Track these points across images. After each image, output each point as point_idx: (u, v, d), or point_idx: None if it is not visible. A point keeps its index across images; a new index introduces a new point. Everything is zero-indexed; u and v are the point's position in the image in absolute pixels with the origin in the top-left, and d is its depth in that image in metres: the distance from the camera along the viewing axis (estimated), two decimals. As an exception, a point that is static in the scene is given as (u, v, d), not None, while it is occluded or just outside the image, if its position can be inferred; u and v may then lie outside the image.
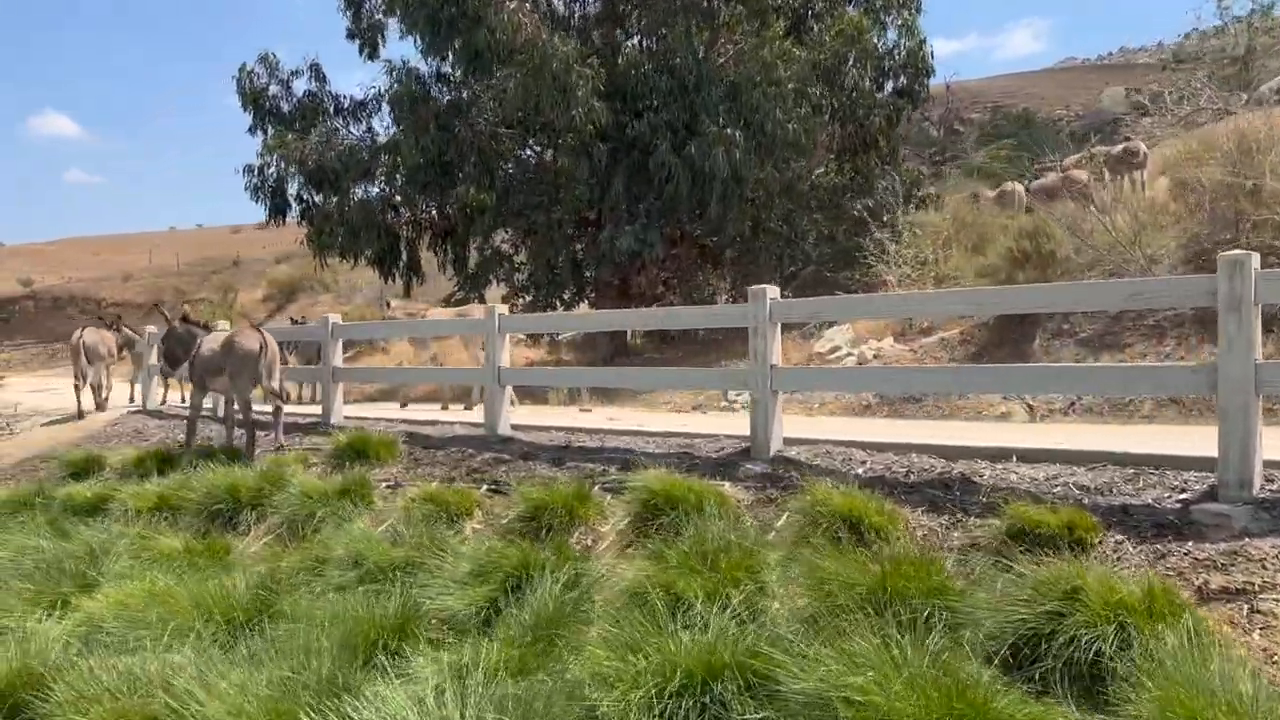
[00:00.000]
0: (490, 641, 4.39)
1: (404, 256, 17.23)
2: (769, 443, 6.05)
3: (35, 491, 8.94)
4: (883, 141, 16.65)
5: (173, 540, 6.78)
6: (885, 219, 16.91)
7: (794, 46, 15.05)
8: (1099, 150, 22.37)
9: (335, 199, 15.52)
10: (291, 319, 21.22)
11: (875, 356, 12.22)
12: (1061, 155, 19.94)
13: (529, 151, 16.18)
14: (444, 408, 11.89)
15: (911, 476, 5.46)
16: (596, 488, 6.16)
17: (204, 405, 10.03)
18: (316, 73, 18.23)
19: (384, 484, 7.27)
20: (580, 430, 7.85)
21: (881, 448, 5.97)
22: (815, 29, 16.71)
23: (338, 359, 9.73)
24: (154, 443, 10.53)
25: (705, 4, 15.19)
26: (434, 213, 16.35)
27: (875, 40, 16.05)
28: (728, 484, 5.77)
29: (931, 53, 16.71)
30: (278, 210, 17.60)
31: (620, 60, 14.93)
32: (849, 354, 13.03)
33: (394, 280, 17.80)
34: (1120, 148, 20.43)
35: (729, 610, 4.29)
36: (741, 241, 16.24)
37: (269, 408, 9.18)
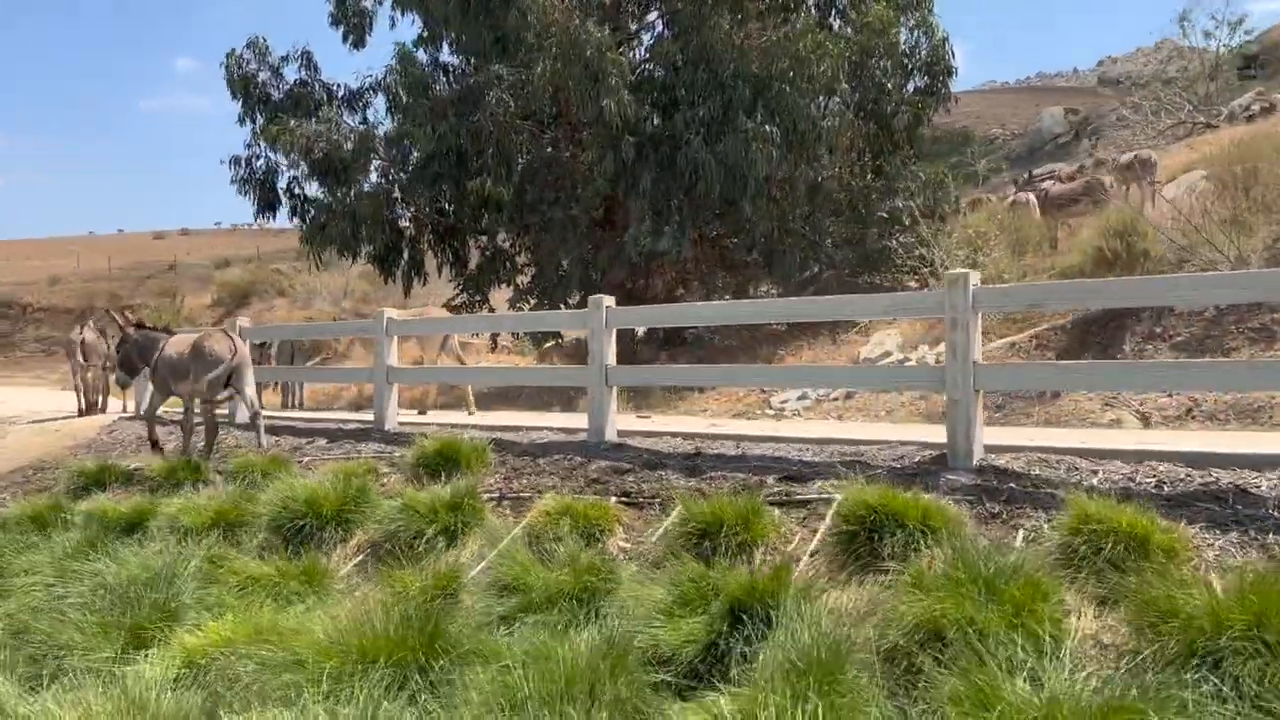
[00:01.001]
0: (764, 691, 3.57)
1: (405, 255, 16.20)
2: (971, 449, 5.32)
3: (51, 506, 7.84)
4: (905, 142, 16.13)
5: (255, 563, 5.82)
6: (907, 221, 16.45)
7: (826, 40, 14.44)
8: (1107, 159, 22.31)
9: (342, 190, 14.43)
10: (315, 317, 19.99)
11: (937, 362, 11.64)
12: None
13: (547, 144, 15.26)
14: (422, 412, 11.82)
15: (1166, 488, 4.77)
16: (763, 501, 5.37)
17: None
18: (307, 60, 17.20)
19: (486, 496, 6.39)
20: (701, 436, 7.04)
21: (1101, 454, 5.28)
22: (836, 24, 16.19)
23: (393, 358, 8.78)
24: (169, 451, 9.45)
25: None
26: (441, 208, 15.35)
27: (900, 36, 15.52)
28: (930, 497, 5.03)
29: (953, 52, 16.27)
30: (267, 205, 16.49)
31: (652, 51, 14.15)
32: (905, 359, 12.44)
33: (394, 280, 16.76)
34: (1131, 155, 20.31)
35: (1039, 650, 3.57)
36: (766, 242, 15.55)
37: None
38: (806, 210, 15.59)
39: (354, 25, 17.52)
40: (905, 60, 15.81)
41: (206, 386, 8.38)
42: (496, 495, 6.41)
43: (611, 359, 7.10)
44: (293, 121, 14.58)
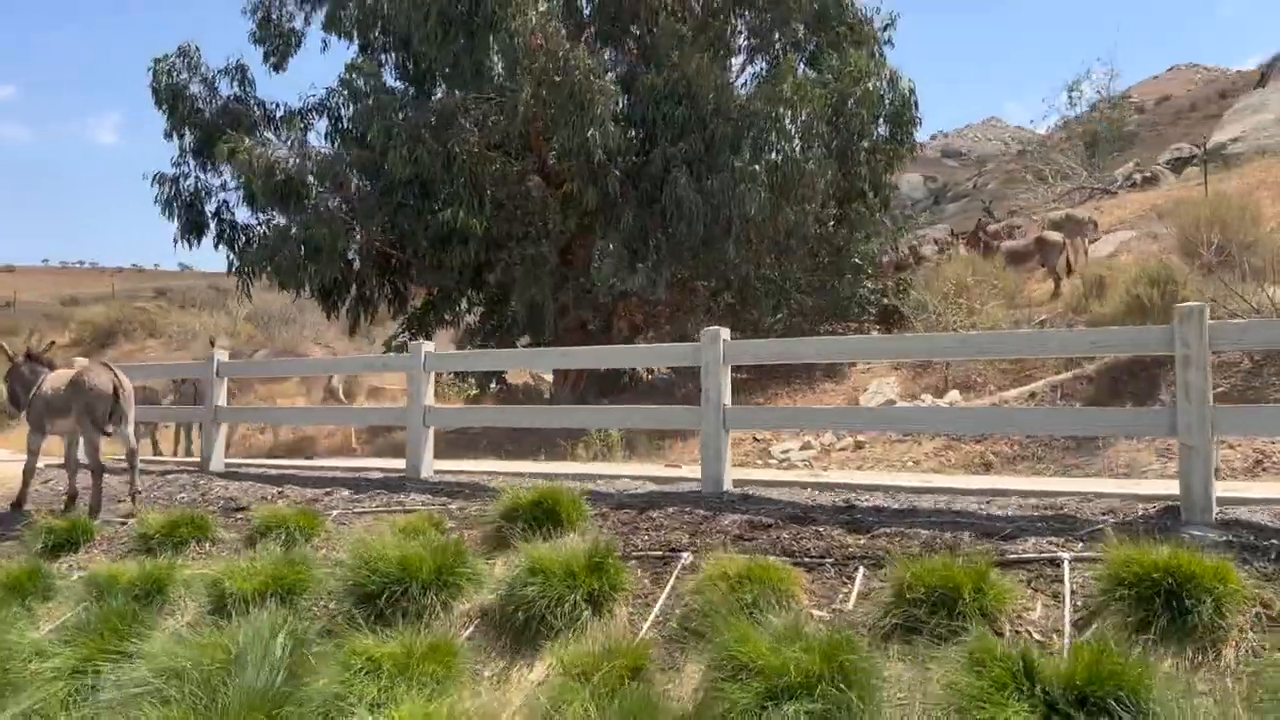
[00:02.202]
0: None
1: (353, 288, 14.91)
2: (1209, 501, 4.77)
3: (28, 571, 6.42)
4: (874, 189, 15.96)
5: (373, 640, 4.72)
6: (871, 270, 16.33)
7: (806, 83, 14.16)
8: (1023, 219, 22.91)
9: (297, 217, 13.07)
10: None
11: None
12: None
13: (515, 176, 14.32)
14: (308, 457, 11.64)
15: None
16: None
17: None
18: (242, 75, 15.84)
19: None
20: (839, 486, 6.28)
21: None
22: (802, 69, 16.00)
23: (429, 397, 7.70)
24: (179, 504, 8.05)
25: (720, 33, 14.15)
26: (396, 239, 14.15)
27: (873, 84, 15.40)
28: (1213, 557, 4.43)
29: (917, 104, 16.27)
30: (193, 228, 14.94)
31: (629, 83, 13.52)
32: (907, 407, 12.03)
33: (337, 316, 15.40)
34: (1062, 214, 20.96)
35: None
36: (739, 285, 15.02)
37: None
38: (778, 254, 15.18)
39: (277, 46, 16.28)
40: (874, 109, 15.68)
41: (89, 424, 7.77)
42: (619, 554, 5.48)
43: (728, 398, 6.29)
44: (248, 140, 13.20)
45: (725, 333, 6.44)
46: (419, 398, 7.60)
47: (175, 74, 14.92)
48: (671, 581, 5.21)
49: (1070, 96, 37.92)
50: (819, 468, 11.49)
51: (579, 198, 13.54)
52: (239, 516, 7.39)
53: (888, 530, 5.27)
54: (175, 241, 14.69)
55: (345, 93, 15.72)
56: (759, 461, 11.96)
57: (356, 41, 16.49)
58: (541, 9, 12.18)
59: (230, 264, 14.85)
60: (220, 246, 15.06)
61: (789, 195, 14.11)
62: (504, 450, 13.89)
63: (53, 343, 15.55)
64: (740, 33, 15.59)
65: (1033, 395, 10.99)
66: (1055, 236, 17.25)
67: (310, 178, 12.74)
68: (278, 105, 15.80)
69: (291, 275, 13.13)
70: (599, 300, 15.18)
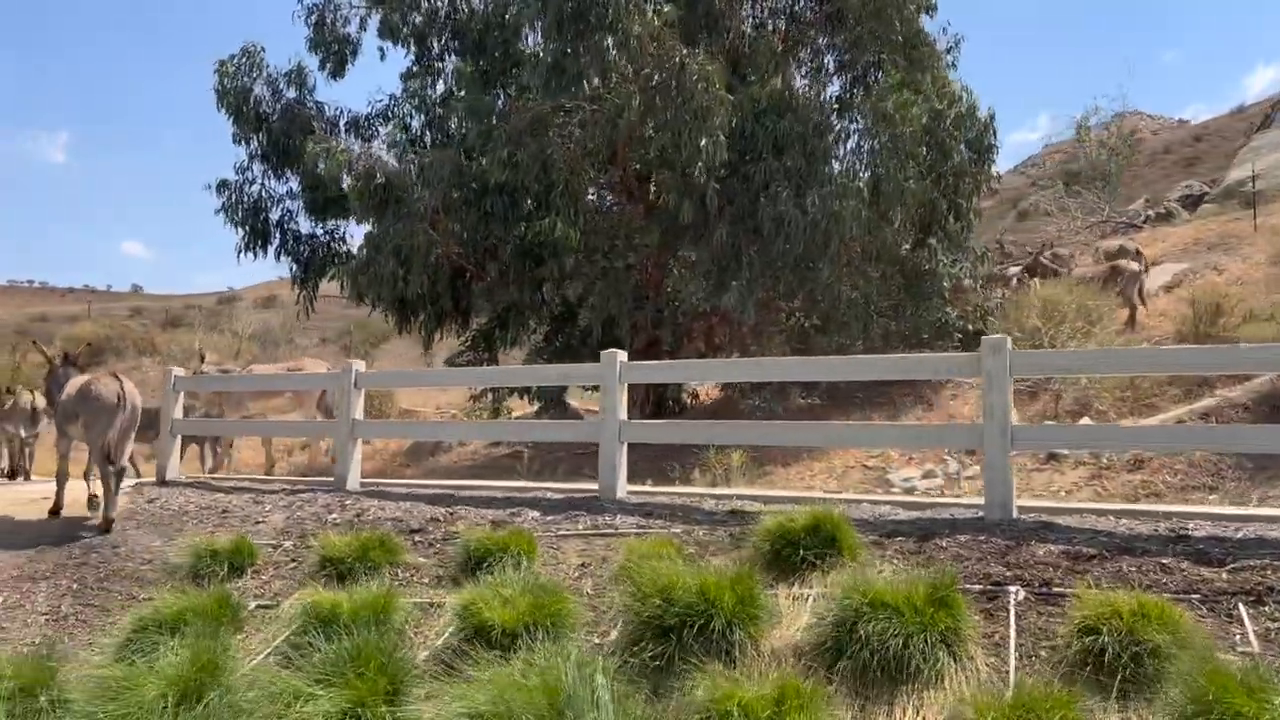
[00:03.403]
0: None
1: (429, 303, 14.19)
2: None
3: (217, 599, 5.66)
4: (962, 213, 15.55)
5: (744, 683, 4.04)
6: (956, 290, 15.94)
7: (909, 100, 13.76)
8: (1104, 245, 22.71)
9: (394, 225, 12.30)
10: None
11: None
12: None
13: (603, 186, 13.74)
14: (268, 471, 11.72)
15: None
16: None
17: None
18: (303, 78, 15.17)
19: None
20: (1142, 514, 5.68)
21: None
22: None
23: (623, 411, 7.03)
24: (226, 525, 7.31)
25: (816, 48, 13.75)
26: (484, 249, 13.46)
27: (965, 107, 15.05)
28: None
29: (995, 131, 15.95)
30: (257, 236, 14.18)
31: (735, 96, 13.02)
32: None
33: (409, 331, 14.66)
34: (1117, 245, 20.78)
35: None
36: (825, 307, 14.49)
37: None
38: (864, 276, 14.70)
39: (334, 53, 15.66)
40: (963, 132, 15.32)
41: (93, 432, 7.88)
42: (932, 587, 4.84)
43: (1014, 415, 5.70)
44: (342, 143, 12.50)
45: (1009, 342, 5.84)
46: (613, 411, 6.94)
47: (240, 77, 14.20)
48: (1012, 619, 4.59)
49: (1079, 132, 38.02)
50: (950, 496, 10.94)
51: (674, 211, 12.98)
52: (417, 539, 6.68)
53: (1251, 563, 4.69)
54: (239, 252, 13.95)
55: (415, 100, 15.16)
56: (878, 490, 11.37)
57: (413, 49, 15.94)
58: (661, 12, 11.64)
59: (295, 275, 14.08)
60: (282, 257, 14.28)
61: (885, 214, 13.67)
62: (529, 472, 13.21)
63: (88, 345, 14.83)
64: (830, 49, 15.19)
65: (1180, 421, 10.52)
66: (1133, 265, 16.96)
67: (413, 183, 11.98)
68: (341, 111, 15.14)
69: (387, 285, 12.37)
70: (677, 319, 14.63)
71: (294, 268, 14.19)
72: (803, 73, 14.60)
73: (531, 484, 8.63)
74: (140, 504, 8.56)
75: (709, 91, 11.79)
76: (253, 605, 5.99)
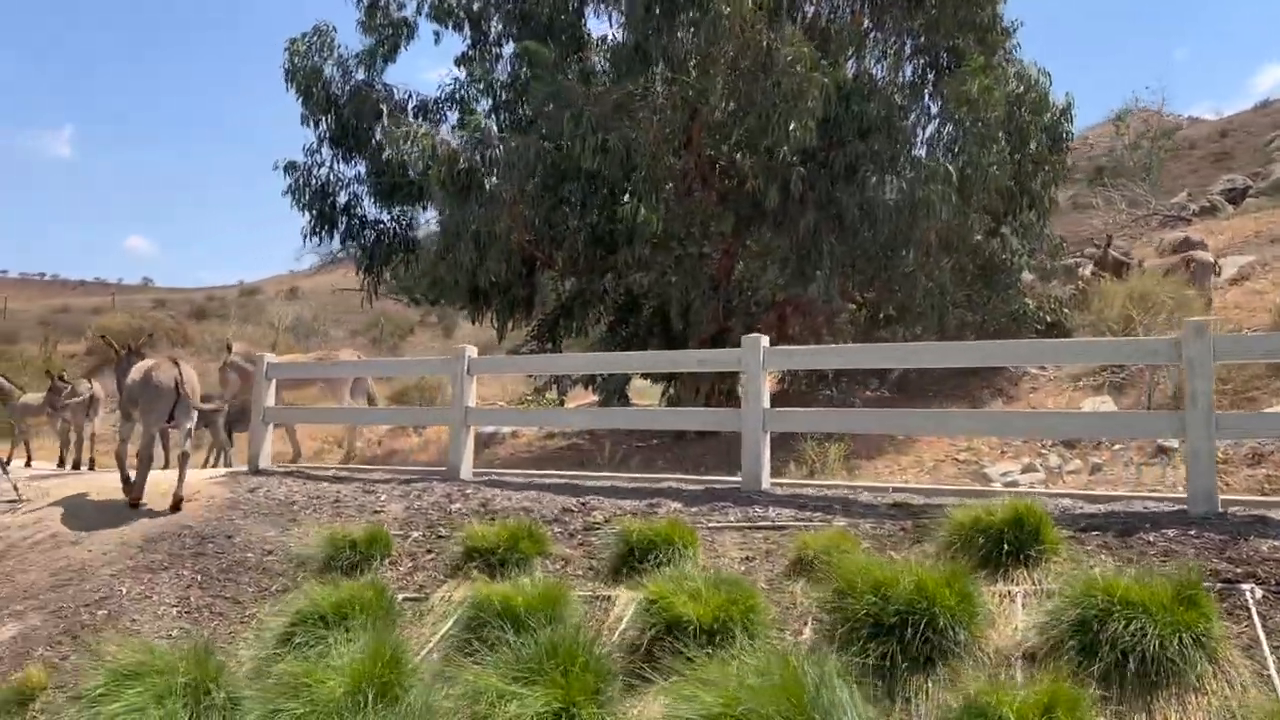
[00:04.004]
0: None
1: (500, 292, 13.88)
2: None
3: (377, 592, 5.38)
4: (1038, 202, 15.17)
5: (990, 687, 3.75)
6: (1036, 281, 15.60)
7: (992, 84, 13.40)
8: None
9: (474, 210, 11.95)
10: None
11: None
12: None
13: (679, 171, 13.38)
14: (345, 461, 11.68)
15: None
16: None
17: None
18: (372, 60, 14.88)
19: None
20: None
21: None
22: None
23: (766, 399, 6.73)
24: (355, 516, 7.04)
25: (898, 30, 13.40)
26: (555, 236, 13.14)
27: (1041, 92, 14.66)
28: None
29: (1072, 117, 15.56)
30: (324, 221, 13.90)
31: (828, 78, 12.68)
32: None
33: (486, 321, 14.36)
34: (1181, 237, 20.42)
35: None
36: (902, 296, 14.15)
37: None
38: (942, 265, 14.34)
39: (387, 36, 15.36)
40: (1041, 117, 14.95)
41: (151, 417, 8.17)
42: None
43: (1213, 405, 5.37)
44: (422, 125, 12.20)
45: (1210, 326, 5.52)
46: (756, 399, 6.63)
47: (310, 55, 13.92)
48: (1256, 619, 4.28)
49: (1118, 127, 37.53)
50: (1051, 488, 10.62)
51: (757, 197, 12.67)
52: (555, 530, 6.40)
53: None
54: (305, 237, 13.69)
55: (480, 84, 14.88)
56: (969, 483, 11.06)
57: (468, 33, 15.65)
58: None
59: (360, 262, 13.81)
60: (349, 242, 14.01)
61: (970, 201, 13.32)
62: (645, 465, 12.96)
63: (150, 334, 14.70)
64: (907, 33, 14.83)
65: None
66: (1207, 256, 16.60)
67: (495, 169, 11.67)
68: (409, 94, 14.85)
69: (465, 272, 12.07)
70: (750, 308, 14.33)
71: (359, 254, 13.89)
72: (878, 55, 14.23)
73: (659, 475, 8.35)
74: (241, 493, 8.30)
75: (801, 73, 11.45)
76: (400, 598, 5.72)
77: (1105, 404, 11.90)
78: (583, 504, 6.82)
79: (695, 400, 14.61)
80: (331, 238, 13.88)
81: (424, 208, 14.75)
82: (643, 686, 4.37)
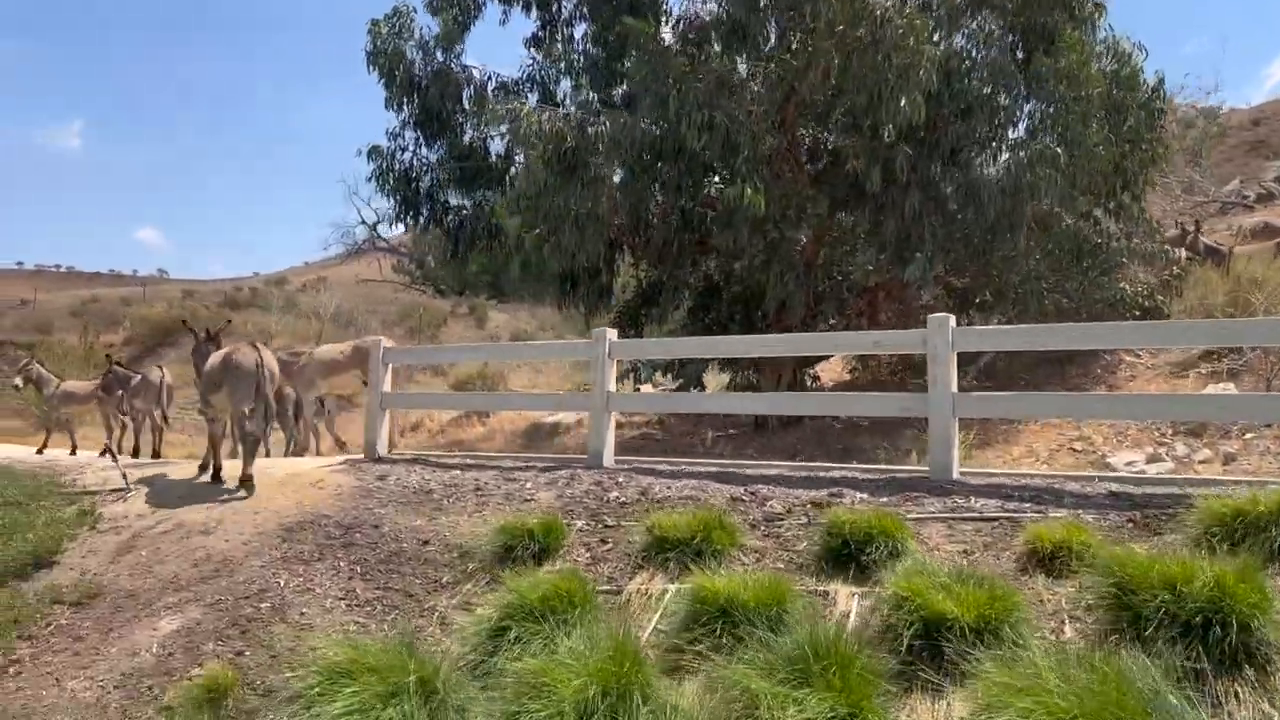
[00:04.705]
0: None
1: (589, 276, 13.55)
2: None
3: (580, 583, 5.07)
4: (1121, 186, 14.72)
5: None
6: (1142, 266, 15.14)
7: (1089, 60, 12.97)
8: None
9: (582, 190, 11.57)
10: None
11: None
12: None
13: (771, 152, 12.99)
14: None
15: None
16: None
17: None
18: (451, 42, 14.57)
19: None
20: None
21: None
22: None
23: (953, 382, 6.37)
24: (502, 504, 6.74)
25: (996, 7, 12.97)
26: (650, 219, 12.80)
27: (1134, 68, 14.19)
28: None
29: (1164, 94, 15.08)
30: (408, 206, 13.60)
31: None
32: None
33: (570, 306, 14.05)
34: (1259, 221, 20.00)
35: None
36: (998, 282, 13.75)
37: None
38: (1043, 249, 13.94)
39: (455, 16, 15.03)
40: (1138, 96, 14.48)
41: (236, 398, 8.39)
42: None
43: None
44: (524, 104, 11.84)
45: None
46: (944, 383, 6.28)
47: (391, 37, 13.61)
48: None
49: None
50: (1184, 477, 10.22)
51: (857, 178, 12.30)
52: (735, 521, 6.06)
53: None
54: (390, 222, 13.42)
55: (560, 64, 14.56)
56: (1091, 473, 10.68)
57: (536, 13, 15.33)
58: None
59: (449, 248, 13.49)
60: (431, 227, 13.70)
61: (1074, 182, 12.89)
62: (735, 454, 12.65)
63: (228, 321, 14.64)
64: (999, 9, 14.40)
65: None
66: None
67: (601, 146, 11.29)
68: (490, 76, 14.53)
69: (566, 257, 11.73)
70: (842, 293, 13.97)
71: (445, 239, 13.58)
72: (972, 32, 13.81)
73: (824, 465, 8.01)
74: (370, 482, 8.02)
75: (913, 46, 11.06)
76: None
77: (1229, 389, 11.48)
78: (752, 493, 6.50)
79: (778, 387, 14.29)
80: (415, 223, 13.55)
81: (502, 192, 14.43)
82: (915, 688, 4.05)
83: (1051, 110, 12.75)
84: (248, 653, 5.40)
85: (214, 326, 10.67)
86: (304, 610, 5.80)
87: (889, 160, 12.01)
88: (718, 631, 4.53)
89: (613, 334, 7.95)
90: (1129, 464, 10.70)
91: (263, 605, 5.92)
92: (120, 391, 14.53)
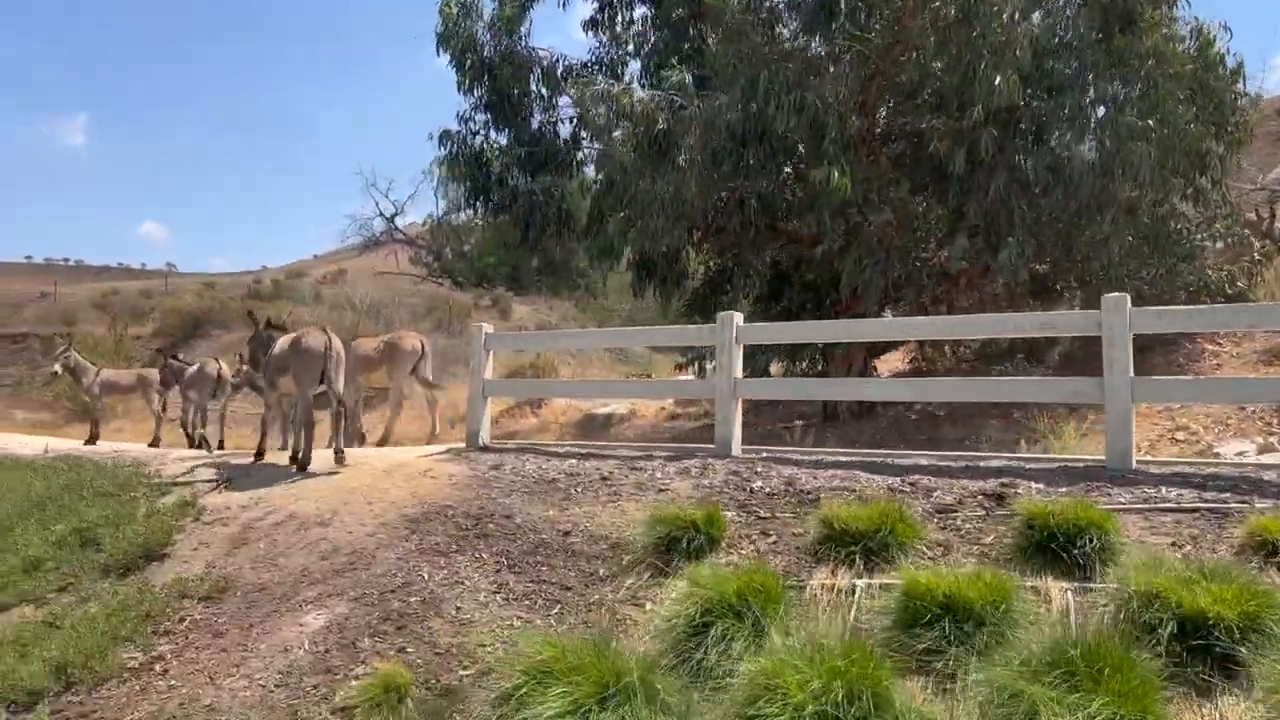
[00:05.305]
0: None
1: (666, 265, 13.24)
2: None
3: (773, 579, 4.79)
4: (1200, 170, 14.33)
5: None
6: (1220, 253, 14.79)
7: (1174, 38, 12.62)
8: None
9: (670, 173, 11.26)
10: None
11: None
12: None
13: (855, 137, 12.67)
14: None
15: None
16: None
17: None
18: (514, 26, 14.26)
19: None
20: None
21: None
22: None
23: (1130, 367, 6.06)
24: (704, 493, 6.47)
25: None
26: (731, 204, 12.47)
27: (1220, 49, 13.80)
28: None
29: (1245, 77, 14.68)
30: (479, 191, 13.33)
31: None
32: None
33: (643, 294, 13.77)
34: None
35: None
36: (1082, 268, 13.40)
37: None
38: (1131, 233, 13.57)
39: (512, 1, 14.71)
40: (1219, 78, 14.10)
41: (304, 381, 8.57)
42: None
43: None
44: (612, 86, 11.54)
45: None
46: (1123, 367, 5.97)
47: (460, 19, 13.32)
48: None
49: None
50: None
51: (939, 161, 11.98)
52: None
53: None
54: (460, 208, 13.13)
55: (629, 46, 14.26)
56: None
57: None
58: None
59: (520, 233, 13.20)
60: (499, 214, 13.42)
61: (1165, 163, 12.53)
62: (818, 444, 12.34)
63: (290, 312, 14.46)
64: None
65: None
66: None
67: (694, 128, 10.98)
68: (558, 59, 14.21)
69: (650, 241, 11.43)
70: (923, 279, 13.64)
71: (520, 225, 13.28)
72: (1053, 9, 13.45)
73: (977, 455, 7.70)
74: (484, 471, 7.75)
75: (1007, 22, 10.73)
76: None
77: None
78: (911, 484, 6.21)
79: (849, 373, 13.98)
80: (486, 208, 13.27)
81: (569, 177, 14.15)
82: (1184, 689, 3.76)
83: (1139, 89, 12.40)
84: (410, 649, 5.13)
85: (276, 318, 10.64)
86: (458, 605, 5.53)
87: (974, 142, 11.68)
88: (946, 630, 4.23)
89: (739, 318, 7.68)
90: (1239, 454, 10.38)
91: (411, 599, 5.65)
92: (176, 384, 14.38)
